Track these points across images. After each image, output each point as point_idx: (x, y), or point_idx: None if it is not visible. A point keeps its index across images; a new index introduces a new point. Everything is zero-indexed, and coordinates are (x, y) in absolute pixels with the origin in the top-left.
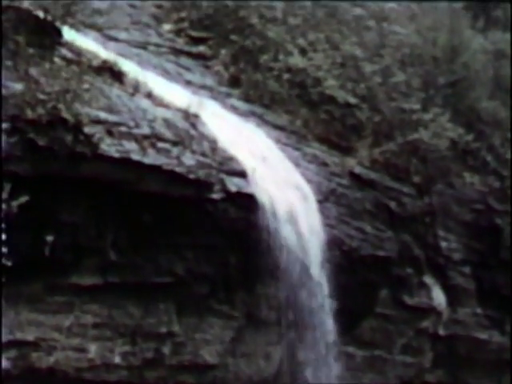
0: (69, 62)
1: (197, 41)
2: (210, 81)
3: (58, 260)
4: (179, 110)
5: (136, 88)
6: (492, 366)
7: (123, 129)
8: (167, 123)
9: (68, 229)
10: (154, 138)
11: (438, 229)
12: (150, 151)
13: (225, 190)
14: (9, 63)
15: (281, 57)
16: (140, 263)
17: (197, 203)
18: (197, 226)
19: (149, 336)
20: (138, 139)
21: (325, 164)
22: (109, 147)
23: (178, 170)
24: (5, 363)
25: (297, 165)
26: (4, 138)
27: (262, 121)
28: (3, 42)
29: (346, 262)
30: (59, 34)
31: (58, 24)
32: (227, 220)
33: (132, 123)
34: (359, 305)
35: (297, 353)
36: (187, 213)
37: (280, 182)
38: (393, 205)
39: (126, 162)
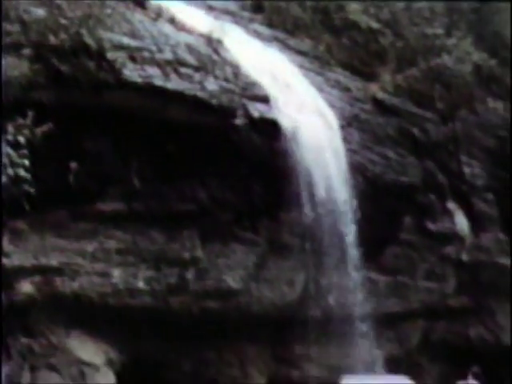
0: None
1: None
2: (232, 6)
3: (82, 188)
4: (202, 35)
5: (158, 13)
6: None
7: (146, 54)
8: (190, 48)
9: (92, 157)
10: (177, 63)
11: (462, 155)
12: (173, 76)
13: (247, 115)
14: None
15: None
16: (164, 191)
17: (220, 131)
18: (221, 155)
19: (172, 262)
20: (160, 64)
21: (347, 89)
22: (131, 72)
23: (200, 95)
24: (29, 288)
25: (320, 90)
26: (27, 64)
27: (285, 46)
28: None
29: (370, 189)
30: None
31: None
32: (251, 147)
33: (154, 48)
34: (383, 232)
35: (320, 279)
36: (211, 141)
37: (303, 107)
38: (416, 131)
39: (148, 88)
